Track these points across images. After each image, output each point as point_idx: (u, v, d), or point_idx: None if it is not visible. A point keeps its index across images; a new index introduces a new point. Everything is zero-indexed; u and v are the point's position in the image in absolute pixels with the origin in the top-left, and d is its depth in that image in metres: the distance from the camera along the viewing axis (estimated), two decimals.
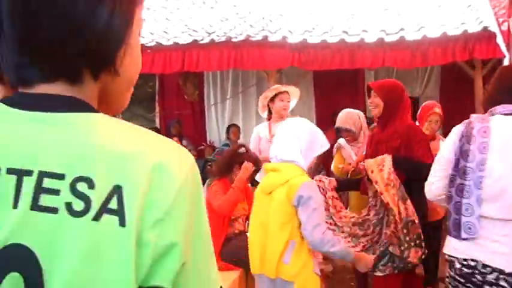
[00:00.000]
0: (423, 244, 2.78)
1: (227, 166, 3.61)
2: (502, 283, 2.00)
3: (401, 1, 6.61)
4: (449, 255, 2.17)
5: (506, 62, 4.43)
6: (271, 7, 6.86)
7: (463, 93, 6.53)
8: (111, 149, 0.59)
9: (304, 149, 2.35)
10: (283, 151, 2.37)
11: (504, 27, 4.55)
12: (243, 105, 7.56)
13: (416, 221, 2.75)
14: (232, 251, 3.45)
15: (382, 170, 2.82)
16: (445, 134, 7.50)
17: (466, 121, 2.16)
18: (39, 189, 0.56)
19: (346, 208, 3.88)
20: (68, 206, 0.56)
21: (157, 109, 8.06)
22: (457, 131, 2.16)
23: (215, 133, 7.71)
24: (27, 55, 0.62)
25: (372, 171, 2.84)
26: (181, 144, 6.81)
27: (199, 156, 6.98)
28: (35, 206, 0.56)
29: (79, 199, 0.56)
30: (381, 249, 2.77)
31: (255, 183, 4.27)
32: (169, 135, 7.23)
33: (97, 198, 0.56)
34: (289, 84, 4.72)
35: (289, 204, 2.27)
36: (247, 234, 3.90)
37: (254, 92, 7.29)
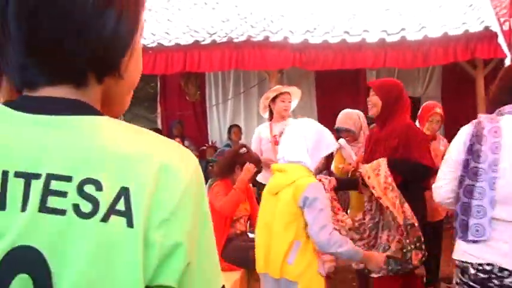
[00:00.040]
0: (423, 247, 2.76)
1: (228, 167, 3.61)
2: None
3: (402, 1, 6.61)
4: (461, 261, 2.07)
5: (507, 62, 4.43)
6: (272, 7, 6.86)
7: (464, 93, 6.53)
8: (116, 151, 0.60)
9: (311, 150, 2.34)
10: (290, 152, 2.37)
11: (505, 27, 4.56)
12: (244, 105, 7.57)
13: (416, 224, 2.73)
14: (234, 252, 3.46)
15: (378, 174, 2.80)
16: (447, 134, 7.51)
17: (474, 121, 2.10)
18: (46, 192, 0.57)
19: (347, 208, 3.89)
20: (76, 207, 0.57)
21: (159, 110, 8.07)
22: (465, 131, 2.09)
23: (217, 134, 7.72)
24: (33, 58, 0.62)
25: (369, 177, 2.83)
26: (184, 145, 6.82)
27: (201, 157, 6.99)
28: (43, 208, 0.56)
29: (86, 201, 0.57)
30: (380, 251, 2.76)
31: (256, 184, 4.29)
32: (171, 135, 7.24)
33: (105, 199, 0.57)
34: (291, 85, 4.73)
35: (295, 205, 2.26)
36: (249, 234, 3.91)
37: (256, 92, 7.29)
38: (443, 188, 2.15)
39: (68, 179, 0.57)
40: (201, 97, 7.65)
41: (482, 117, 2.10)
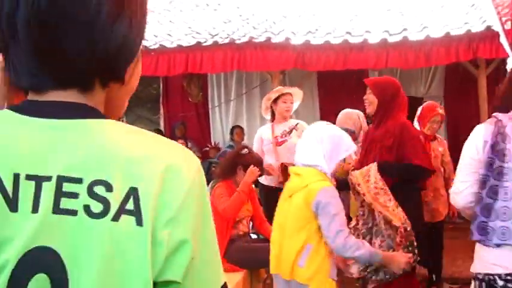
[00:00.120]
0: (416, 251, 2.71)
1: (230, 168, 3.62)
2: None
3: (404, 1, 6.60)
4: (486, 274, 1.94)
5: (510, 61, 4.42)
6: (274, 9, 6.86)
7: (467, 92, 6.52)
8: (123, 152, 0.62)
9: (328, 153, 2.32)
10: (305, 156, 2.37)
11: (507, 26, 4.55)
12: (247, 106, 7.57)
13: (409, 228, 2.70)
14: (237, 253, 3.46)
15: (368, 180, 2.78)
16: (449, 134, 7.47)
17: (491, 120, 2.01)
18: (59, 193, 0.59)
19: (349, 211, 3.88)
20: (86, 208, 0.59)
21: (161, 111, 8.09)
22: (484, 130, 1.99)
23: (219, 134, 7.73)
24: (43, 63, 0.64)
25: (359, 184, 2.82)
26: (187, 146, 6.83)
27: (204, 158, 7.00)
28: (56, 209, 0.59)
29: (97, 201, 0.59)
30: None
31: (258, 185, 4.30)
32: (173, 137, 7.25)
33: (115, 200, 0.60)
34: (293, 86, 4.73)
35: (307, 208, 2.26)
36: (251, 235, 3.92)
37: (258, 93, 7.30)
38: (464, 192, 2.02)
39: (79, 180, 0.60)
40: (203, 98, 7.66)
41: (499, 115, 2.01)
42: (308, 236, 2.27)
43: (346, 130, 3.96)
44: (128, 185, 0.60)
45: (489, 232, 1.91)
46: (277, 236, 2.41)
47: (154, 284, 0.61)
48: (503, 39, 4.55)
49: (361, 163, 3.08)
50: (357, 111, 4.07)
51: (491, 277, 1.92)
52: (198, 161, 0.68)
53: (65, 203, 0.59)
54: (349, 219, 3.06)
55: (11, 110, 0.65)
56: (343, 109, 4.35)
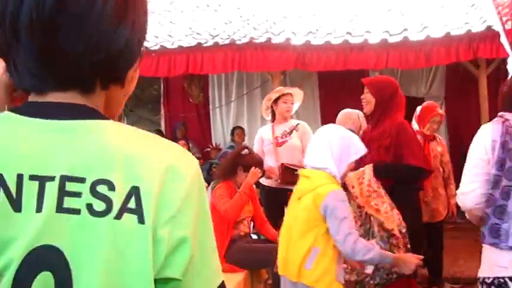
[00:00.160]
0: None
1: (231, 168, 3.62)
2: None
3: (404, 1, 6.60)
4: (496, 278, 1.89)
5: (510, 61, 4.42)
6: (274, 9, 6.87)
7: (467, 92, 6.52)
8: (125, 152, 0.64)
9: (337, 156, 2.32)
10: (314, 158, 2.36)
11: (508, 26, 4.55)
12: (247, 107, 7.57)
13: (404, 230, 2.69)
14: (237, 253, 3.47)
15: (362, 182, 2.77)
16: (450, 133, 7.45)
17: (498, 119, 1.99)
18: (62, 193, 0.61)
19: None
20: (89, 206, 0.61)
21: (162, 112, 8.09)
22: (492, 129, 1.96)
23: (220, 135, 7.73)
24: (45, 64, 0.64)
25: (353, 187, 2.81)
26: (188, 146, 6.84)
27: (205, 159, 7.00)
28: (60, 209, 0.60)
29: (100, 200, 0.61)
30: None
31: (259, 185, 4.30)
32: (174, 137, 7.26)
33: (117, 198, 0.61)
34: (294, 86, 4.74)
35: (316, 211, 2.25)
36: (252, 236, 3.92)
37: (259, 94, 7.30)
38: (473, 193, 1.97)
39: (82, 180, 0.61)
40: (204, 99, 7.66)
41: (506, 114, 1.99)
42: (316, 239, 2.26)
43: None
44: (129, 184, 0.62)
45: (502, 234, 1.86)
46: (285, 237, 2.41)
47: (155, 281, 0.62)
48: (503, 39, 4.54)
49: (358, 163, 3.08)
50: (356, 111, 4.07)
51: (501, 280, 1.89)
52: (196, 162, 0.69)
53: (68, 202, 0.60)
54: None
55: (11, 112, 0.65)
56: (343, 109, 4.35)
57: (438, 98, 6.80)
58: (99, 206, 0.60)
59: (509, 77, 3.85)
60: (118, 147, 0.64)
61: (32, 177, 0.60)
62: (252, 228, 3.85)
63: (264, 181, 4.24)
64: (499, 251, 1.89)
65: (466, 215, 2.18)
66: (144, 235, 0.61)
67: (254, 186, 3.81)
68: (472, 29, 5.33)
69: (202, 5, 7.43)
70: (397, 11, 6.43)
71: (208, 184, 4.11)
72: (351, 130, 3.88)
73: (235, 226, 3.57)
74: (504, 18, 4.64)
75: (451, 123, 6.89)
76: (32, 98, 0.67)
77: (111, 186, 0.61)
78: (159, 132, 7.60)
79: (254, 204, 3.69)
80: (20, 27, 0.63)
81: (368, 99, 3.09)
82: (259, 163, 3.64)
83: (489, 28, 5.18)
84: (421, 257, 2.46)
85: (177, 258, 0.63)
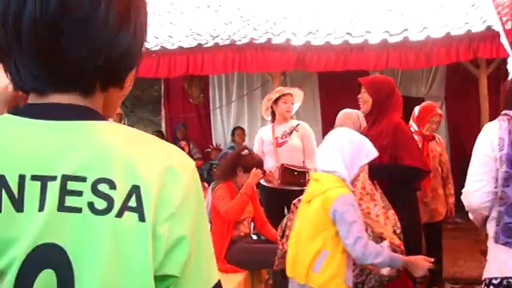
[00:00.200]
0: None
1: (230, 169, 3.62)
2: None
3: (404, 2, 6.60)
4: (504, 278, 1.86)
5: (510, 61, 4.43)
6: (274, 10, 6.87)
7: (468, 92, 6.52)
8: (125, 153, 0.65)
9: (347, 160, 2.31)
10: (324, 162, 2.36)
11: (508, 26, 4.55)
12: (248, 107, 7.58)
13: (398, 231, 2.68)
14: (238, 254, 3.47)
15: (355, 185, 2.77)
16: (450, 133, 7.43)
17: (502, 117, 1.98)
18: (64, 192, 0.62)
19: None
20: (90, 205, 0.62)
21: (163, 112, 8.10)
22: (498, 127, 1.94)
23: (221, 136, 7.73)
24: (47, 68, 0.65)
25: None
26: (189, 147, 6.85)
27: (205, 159, 7.00)
28: (62, 207, 0.61)
29: (101, 198, 0.62)
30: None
31: (259, 186, 4.30)
32: (174, 138, 7.26)
33: (118, 197, 0.63)
34: (294, 86, 4.73)
35: (325, 215, 2.25)
36: (252, 236, 3.92)
37: (259, 94, 7.30)
38: (480, 191, 1.94)
39: (83, 179, 0.62)
40: (204, 100, 7.67)
41: (511, 112, 1.98)
42: (324, 242, 2.26)
43: None
44: (130, 183, 0.63)
45: None
46: (294, 240, 2.41)
47: (154, 278, 0.63)
48: (503, 39, 4.55)
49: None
50: (356, 111, 4.07)
51: (510, 280, 1.86)
52: (193, 164, 0.71)
53: (70, 201, 0.61)
54: None
55: (11, 114, 0.66)
56: (343, 109, 4.35)
57: (438, 98, 6.80)
58: (100, 204, 0.62)
59: (510, 77, 3.85)
60: (118, 148, 0.65)
61: (34, 178, 0.61)
62: (252, 229, 3.85)
63: (264, 182, 4.25)
64: (511, 250, 1.85)
65: (470, 215, 2.15)
66: (144, 233, 0.62)
67: (254, 186, 3.81)
68: (472, 29, 5.33)
69: (202, 6, 7.44)
70: (397, 11, 6.43)
71: (209, 185, 4.12)
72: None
73: (236, 226, 3.57)
74: (504, 18, 4.64)
75: (451, 123, 6.89)
76: (32, 99, 0.68)
77: (112, 185, 0.62)
78: (159, 133, 7.60)
79: (254, 204, 3.70)
80: (23, 29, 0.63)
81: (365, 98, 3.08)
82: (259, 164, 3.64)
83: (489, 28, 5.18)
84: (432, 259, 2.44)
85: (175, 256, 0.64)
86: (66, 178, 0.62)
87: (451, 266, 4.44)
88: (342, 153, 2.32)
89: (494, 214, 1.98)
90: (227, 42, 5.80)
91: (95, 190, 0.62)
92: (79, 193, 0.62)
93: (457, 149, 6.76)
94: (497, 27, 4.77)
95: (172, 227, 0.64)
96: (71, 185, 0.62)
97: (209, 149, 7.31)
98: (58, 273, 0.60)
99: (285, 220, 2.85)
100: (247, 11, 7.00)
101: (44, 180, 0.61)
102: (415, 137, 3.79)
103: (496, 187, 1.93)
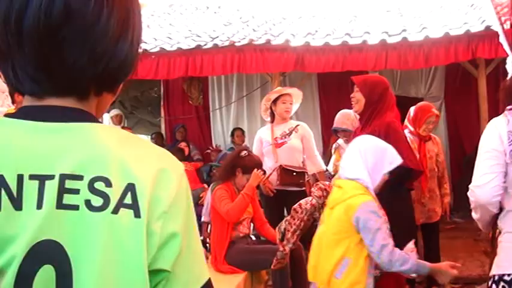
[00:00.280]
0: None
1: (230, 170, 3.63)
2: None
3: (403, 2, 6.62)
4: None
5: (509, 61, 4.43)
6: (273, 11, 6.89)
7: (467, 92, 6.53)
8: (120, 153, 0.68)
9: (371, 167, 2.30)
10: (347, 169, 2.36)
11: (507, 26, 4.55)
12: (247, 109, 7.58)
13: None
14: (237, 254, 3.47)
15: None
16: (450, 133, 7.41)
17: (509, 111, 1.96)
18: (62, 190, 0.64)
19: None
20: (87, 202, 0.64)
21: (162, 114, 8.10)
22: (506, 121, 1.93)
23: (220, 137, 7.73)
24: (46, 73, 0.67)
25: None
26: (189, 149, 6.84)
27: (205, 161, 7.00)
28: (60, 205, 0.63)
29: (97, 196, 0.65)
30: None
31: (258, 186, 4.30)
32: (174, 140, 7.27)
33: (114, 194, 0.65)
34: (293, 87, 4.74)
35: (348, 222, 2.25)
36: (252, 237, 3.92)
37: (258, 95, 7.30)
38: (489, 185, 1.89)
39: (80, 178, 0.65)
40: (204, 101, 7.67)
41: None
42: (347, 249, 2.25)
43: (344, 130, 3.98)
44: (125, 181, 0.66)
45: None
46: (316, 245, 2.40)
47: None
48: (502, 39, 4.55)
49: None
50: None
51: None
52: (183, 167, 0.75)
53: (68, 199, 0.63)
54: None
55: (10, 116, 0.68)
56: (341, 110, 4.36)
57: (437, 98, 6.80)
58: (96, 201, 0.64)
59: (509, 76, 3.85)
60: (114, 148, 0.68)
61: (32, 177, 0.63)
62: (251, 229, 3.85)
63: (262, 187, 4.24)
64: None
65: (474, 214, 2.08)
66: (139, 229, 0.65)
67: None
68: (471, 29, 5.34)
69: (201, 7, 7.46)
70: (396, 11, 6.45)
71: (208, 186, 4.12)
72: (349, 130, 3.91)
73: (235, 227, 3.57)
74: (503, 18, 4.64)
75: (450, 123, 6.90)
76: (27, 101, 0.70)
77: (108, 183, 0.65)
78: (159, 134, 7.60)
79: (254, 205, 3.70)
80: (24, 32, 0.64)
81: (358, 97, 3.06)
82: (257, 165, 3.64)
83: (488, 28, 5.19)
84: (459, 265, 2.42)
85: (168, 251, 0.67)
86: (64, 177, 0.64)
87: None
88: (366, 160, 2.31)
89: (508, 207, 1.92)
90: (226, 43, 5.81)
91: (91, 188, 0.64)
92: (76, 191, 0.64)
93: (456, 148, 6.77)
94: (496, 27, 4.77)
95: (164, 224, 0.67)
96: (69, 184, 0.64)
97: (209, 151, 7.31)
98: (57, 268, 0.62)
99: (283, 223, 2.85)
100: (247, 12, 7.02)
101: (41, 179, 0.63)
102: (412, 137, 3.78)
103: (505, 182, 1.90)
